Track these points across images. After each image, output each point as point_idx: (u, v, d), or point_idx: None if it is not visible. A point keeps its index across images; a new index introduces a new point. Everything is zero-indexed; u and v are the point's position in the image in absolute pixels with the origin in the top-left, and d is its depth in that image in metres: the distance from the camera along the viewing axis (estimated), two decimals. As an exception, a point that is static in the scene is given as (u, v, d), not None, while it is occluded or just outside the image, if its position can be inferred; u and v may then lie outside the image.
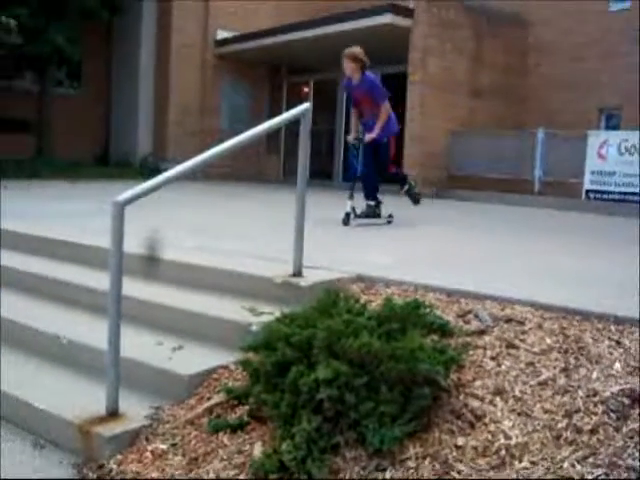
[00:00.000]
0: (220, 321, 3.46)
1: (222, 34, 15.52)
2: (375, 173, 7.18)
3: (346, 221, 6.76)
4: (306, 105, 3.82)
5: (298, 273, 3.75)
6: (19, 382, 3.36)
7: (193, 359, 3.25)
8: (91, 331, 3.67)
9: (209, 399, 2.98)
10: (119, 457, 2.80)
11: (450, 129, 12.76)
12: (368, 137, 6.95)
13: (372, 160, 7.08)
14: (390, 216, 7.21)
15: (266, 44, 14.52)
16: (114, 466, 2.76)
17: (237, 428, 2.77)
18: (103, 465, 2.79)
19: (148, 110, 15.69)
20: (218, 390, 3.01)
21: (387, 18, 12.32)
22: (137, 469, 2.72)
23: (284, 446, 2.46)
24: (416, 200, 7.68)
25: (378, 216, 7.16)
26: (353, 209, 6.82)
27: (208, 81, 15.62)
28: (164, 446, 2.79)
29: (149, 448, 2.81)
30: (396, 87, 13.30)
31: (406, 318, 2.82)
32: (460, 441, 2.49)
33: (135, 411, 2.98)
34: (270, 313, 3.38)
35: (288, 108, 14.13)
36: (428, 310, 3.04)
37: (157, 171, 13.70)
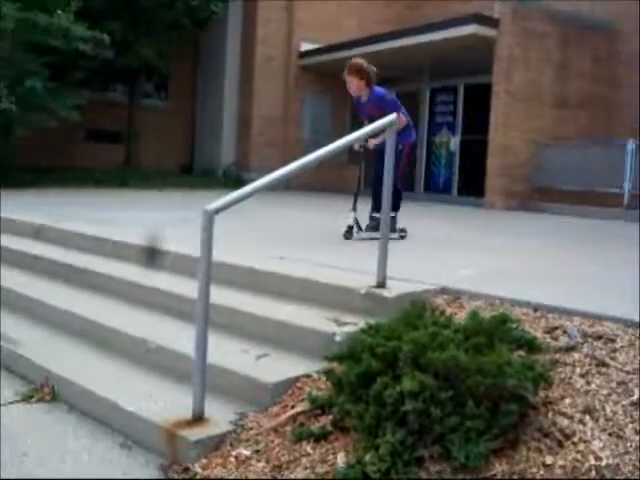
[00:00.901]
0: (304, 330, 3.49)
1: (305, 46, 15.70)
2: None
3: (348, 235, 6.26)
4: (392, 117, 3.82)
5: (382, 284, 3.74)
6: (110, 385, 3.47)
7: (277, 367, 3.29)
8: (178, 337, 3.77)
9: (293, 407, 3.00)
10: (204, 461, 2.84)
11: (535, 140, 12.51)
12: (372, 142, 6.26)
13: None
14: (403, 231, 6.61)
15: (349, 56, 14.56)
16: (199, 469, 2.81)
17: (320, 437, 2.77)
18: (188, 468, 2.84)
19: (232, 121, 16.00)
20: (302, 399, 3.03)
21: (471, 28, 12.20)
22: (221, 473, 2.76)
23: (368, 457, 2.45)
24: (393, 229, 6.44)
25: (392, 230, 6.40)
26: (356, 221, 6.33)
27: (291, 92, 15.82)
28: (248, 452, 2.83)
29: (233, 453, 2.84)
30: (480, 98, 13.19)
31: (493, 332, 2.77)
32: (548, 460, 2.43)
33: (220, 416, 3.03)
34: (354, 324, 3.39)
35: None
36: (515, 325, 2.99)
37: (239, 181, 14.03)
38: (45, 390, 3.67)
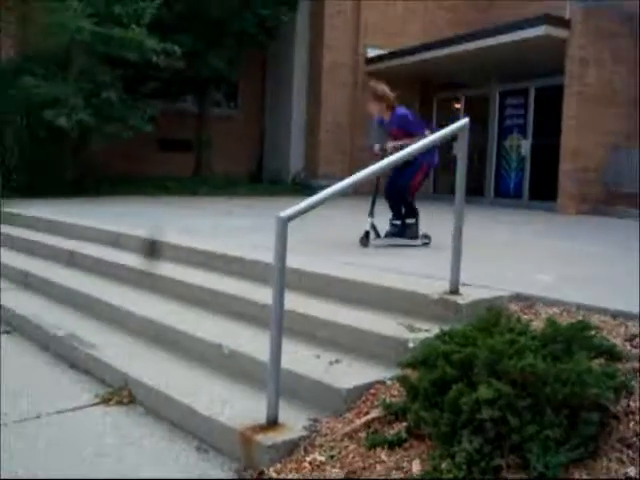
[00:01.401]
0: (376, 336, 3.48)
1: (372, 52, 15.70)
2: (404, 190, 6.43)
3: (364, 241, 6.11)
4: (464, 121, 3.79)
5: (455, 290, 3.71)
6: (185, 389, 3.54)
7: (350, 373, 3.29)
8: (251, 342, 3.82)
9: (367, 414, 3.00)
10: (278, 465, 2.87)
11: (609, 143, 12.18)
12: (391, 145, 6.25)
13: (401, 175, 6.33)
14: (426, 237, 6.44)
15: (416, 60, 14.54)
16: (273, 474, 2.84)
17: (395, 444, 2.76)
18: (263, 472, 2.87)
19: (300, 128, 16.12)
20: (375, 405, 3.03)
21: (542, 30, 11.96)
22: (295, 478, 2.78)
23: (444, 465, 2.43)
24: (414, 235, 6.47)
25: (413, 237, 6.39)
26: (373, 227, 6.21)
27: (358, 99, 15.83)
28: (322, 458, 2.83)
29: (307, 459, 2.86)
30: (552, 100, 12.93)
31: (571, 340, 2.71)
32: (631, 471, 2.36)
33: (294, 422, 3.05)
34: (427, 330, 3.37)
35: (438, 124, 14.08)
36: (594, 332, 2.91)
37: (308, 187, 14.10)
38: (123, 393, 3.77)
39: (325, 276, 4.31)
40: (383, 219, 6.39)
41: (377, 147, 6.47)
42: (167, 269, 5.37)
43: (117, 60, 12.33)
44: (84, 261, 6.18)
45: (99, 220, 7.50)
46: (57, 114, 11.24)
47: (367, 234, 6.14)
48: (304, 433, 2.97)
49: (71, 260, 6.34)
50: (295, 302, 3.84)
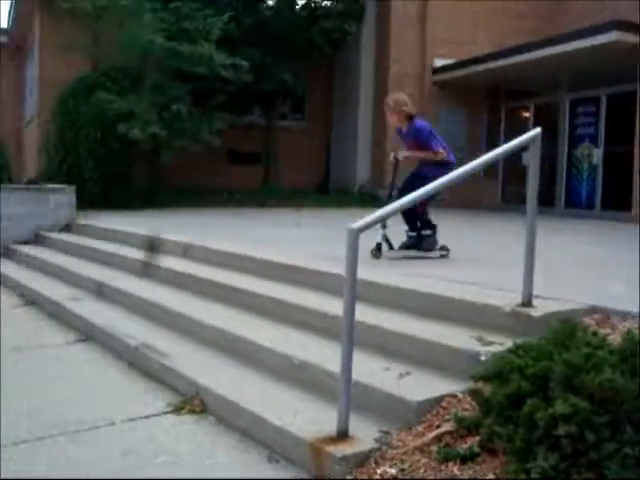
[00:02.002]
0: (447, 349, 3.44)
1: (439, 62, 15.61)
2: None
3: (376, 253, 5.91)
4: (536, 131, 3.72)
5: (528, 303, 3.64)
6: (255, 398, 3.57)
7: (421, 386, 3.26)
8: (320, 353, 3.83)
9: (438, 427, 2.96)
10: (349, 478, 2.85)
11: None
12: (402, 154, 6.34)
13: (409, 189, 6.14)
14: (443, 248, 6.31)
15: (484, 69, 14.38)
16: (344, 486, 2.84)
17: (467, 458, 2.72)
18: (333, 484, 2.87)
19: (366, 139, 16.12)
20: (447, 418, 2.99)
21: (612, 36, 11.67)
22: (366, 491, 2.77)
23: (519, 481, 2.38)
24: (430, 246, 6.30)
25: (428, 249, 6.23)
26: (386, 239, 6.02)
27: (425, 109, 15.71)
28: (393, 470, 2.81)
29: (378, 471, 2.84)
30: (625, 107, 12.60)
31: (652, 354, 2.62)
32: None
33: (364, 434, 3.03)
34: (499, 343, 3.32)
35: (506, 133, 13.91)
36: (676, 347, 2.81)
37: (375, 198, 14.08)
38: (195, 402, 3.82)
39: (394, 287, 4.29)
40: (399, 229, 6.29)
41: (392, 155, 6.50)
42: (236, 279, 5.44)
43: (186, 74, 12.61)
44: (156, 271, 6.31)
45: (169, 231, 7.64)
46: (130, 128, 11.55)
47: (379, 246, 5.96)
48: (375, 445, 2.95)
49: (143, 270, 6.49)
50: (364, 313, 3.84)
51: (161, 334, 4.93)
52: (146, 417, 3.74)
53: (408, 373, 3.41)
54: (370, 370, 3.45)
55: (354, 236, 2.85)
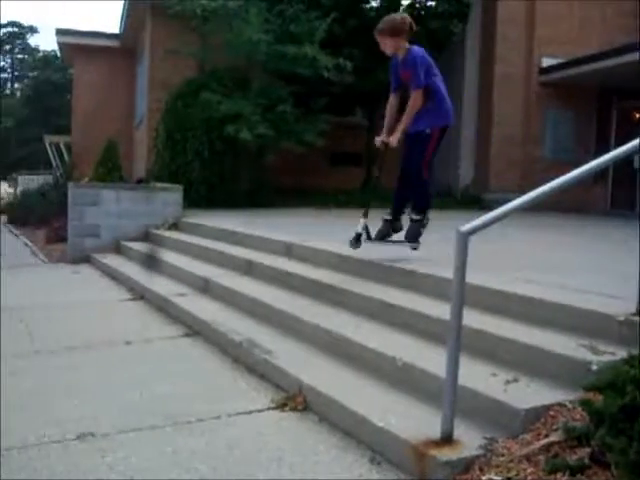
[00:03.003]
0: (556, 356, 3.34)
1: (547, 61, 15.19)
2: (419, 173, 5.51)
3: (354, 243, 5.43)
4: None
5: (642, 311, 3.49)
6: (358, 398, 3.58)
7: (528, 393, 3.19)
8: (423, 355, 3.81)
9: (546, 436, 2.88)
10: (452, 483, 2.83)
11: None
12: (394, 139, 5.45)
13: (415, 157, 5.51)
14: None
15: (594, 69, 13.88)
16: (447, 491, 2.81)
17: (577, 470, 2.63)
18: (437, 489, 2.84)
19: (470, 141, 15.87)
20: (555, 428, 2.91)
21: None
22: (470, 497, 2.73)
23: (633, 497, 2.29)
24: (414, 237, 5.61)
25: (412, 240, 5.55)
26: (366, 228, 5.48)
27: (532, 110, 15.36)
28: (498, 478, 2.75)
29: (483, 478, 2.78)
30: None
31: None
32: None
33: (468, 439, 2.99)
34: (611, 353, 3.20)
35: (617, 135, 13.34)
36: None
37: (477, 201, 13.84)
38: (297, 399, 3.87)
39: (500, 291, 4.20)
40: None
41: (378, 141, 5.61)
42: (336, 279, 5.47)
43: (290, 76, 12.76)
44: (260, 270, 6.43)
45: (272, 231, 7.77)
46: (238, 129, 11.80)
47: (358, 237, 5.47)
48: (480, 452, 2.90)
49: (248, 269, 6.62)
50: (469, 317, 3.78)
51: (264, 331, 5.03)
52: (249, 413, 3.82)
53: (515, 380, 3.34)
54: (475, 375, 3.40)
55: (464, 239, 2.82)
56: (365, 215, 5.48)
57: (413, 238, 5.61)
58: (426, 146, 5.53)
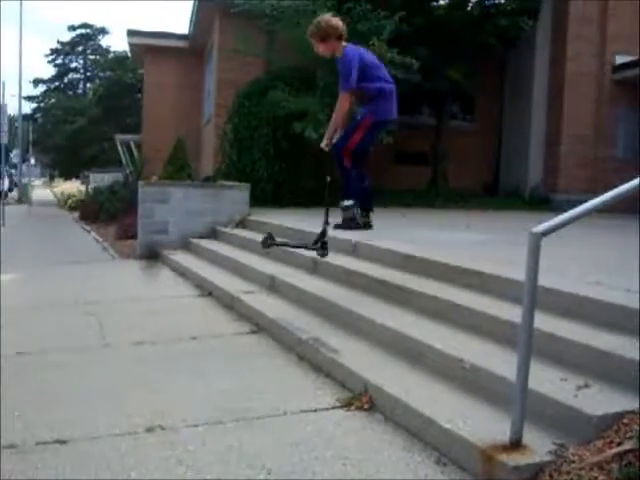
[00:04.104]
0: (630, 362, 3.25)
1: (621, 59, 14.78)
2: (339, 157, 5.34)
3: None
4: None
5: None
6: (424, 399, 3.55)
7: (601, 400, 3.10)
8: (491, 357, 3.76)
9: (619, 444, 2.81)
10: (521, 489, 2.78)
11: None
12: (322, 144, 5.45)
13: (340, 138, 5.34)
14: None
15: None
16: (516, 497, 2.76)
17: (652, 480, 2.57)
18: (505, 493, 2.80)
19: (539, 140, 15.57)
20: (629, 436, 2.83)
21: None
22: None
23: None
24: (337, 225, 5.63)
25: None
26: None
27: (603, 109, 14.97)
28: (569, 485, 2.71)
29: (552, 485, 2.74)
30: None
31: None
32: None
33: (538, 445, 2.93)
34: (689, 360, 3.10)
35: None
36: None
37: (546, 202, 13.57)
38: (363, 399, 3.86)
39: (571, 294, 4.11)
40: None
41: (324, 143, 5.49)
42: (403, 279, 5.44)
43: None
44: (325, 268, 6.44)
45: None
46: (304, 127, 11.86)
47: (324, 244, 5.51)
48: (549, 458, 2.84)
49: (314, 267, 6.64)
50: (538, 319, 3.71)
51: (330, 329, 5.03)
52: (315, 411, 3.83)
53: (586, 385, 3.26)
54: (545, 379, 3.33)
55: (536, 240, 2.76)
56: (327, 222, 5.52)
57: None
58: (352, 132, 5.41)
